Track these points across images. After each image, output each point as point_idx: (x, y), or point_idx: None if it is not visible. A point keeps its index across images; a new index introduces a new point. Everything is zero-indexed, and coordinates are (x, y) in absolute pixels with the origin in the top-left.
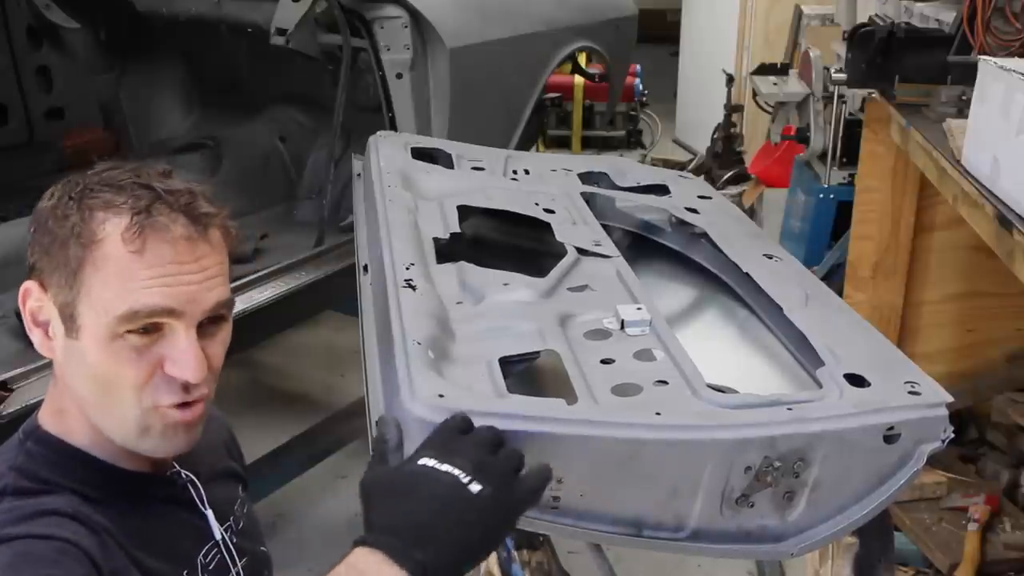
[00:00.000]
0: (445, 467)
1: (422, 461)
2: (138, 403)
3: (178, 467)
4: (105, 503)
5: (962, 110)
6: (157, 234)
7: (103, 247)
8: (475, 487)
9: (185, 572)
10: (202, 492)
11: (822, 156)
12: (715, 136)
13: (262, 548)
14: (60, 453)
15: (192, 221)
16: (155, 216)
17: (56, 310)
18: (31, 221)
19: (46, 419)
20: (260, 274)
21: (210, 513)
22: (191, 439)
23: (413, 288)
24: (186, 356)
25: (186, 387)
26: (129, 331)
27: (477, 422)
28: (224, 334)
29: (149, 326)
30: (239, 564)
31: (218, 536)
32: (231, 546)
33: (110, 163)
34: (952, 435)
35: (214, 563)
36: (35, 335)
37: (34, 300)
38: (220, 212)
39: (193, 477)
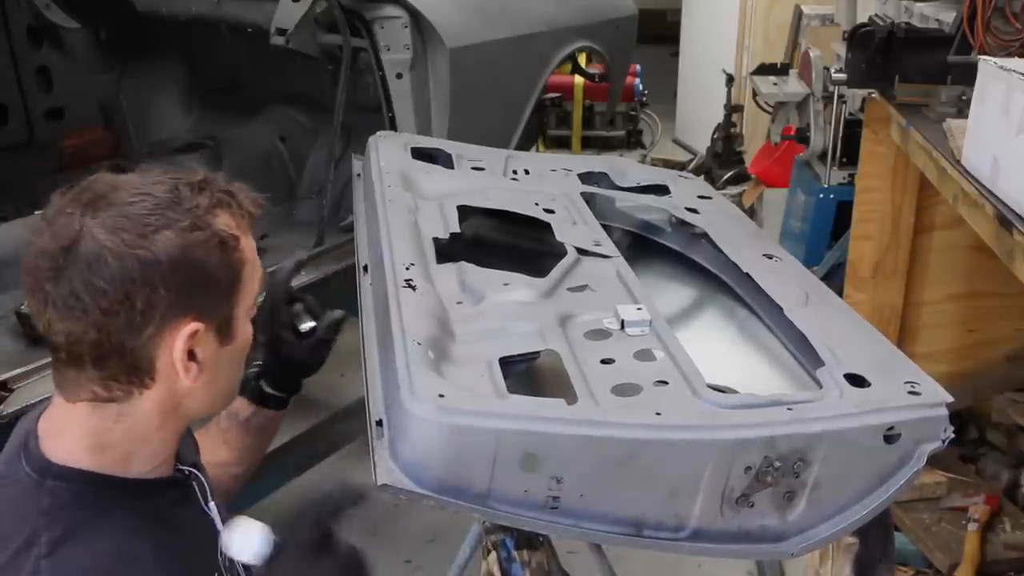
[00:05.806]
0: None
1: None
2: None
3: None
4: (142, 532)
5: (962, 110)
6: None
7: (242, 253)
8: None
9: None
10: (206, 486)
11: (822, 156)
12: (715, 136)
13: None
14: (92, 483)
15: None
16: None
17: (212, 331)
18: (128, 273)
19: (70, 456)
20: None
21: (214, 507)
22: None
23: (413, 288)
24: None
25: None
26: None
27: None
28: None
29: None
30: None
31: (220, 528)
32: None
33: (138, 175)
34: (952, 435)
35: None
36: (191, 370)
37: (191, 338)
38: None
39: (197, 472)
